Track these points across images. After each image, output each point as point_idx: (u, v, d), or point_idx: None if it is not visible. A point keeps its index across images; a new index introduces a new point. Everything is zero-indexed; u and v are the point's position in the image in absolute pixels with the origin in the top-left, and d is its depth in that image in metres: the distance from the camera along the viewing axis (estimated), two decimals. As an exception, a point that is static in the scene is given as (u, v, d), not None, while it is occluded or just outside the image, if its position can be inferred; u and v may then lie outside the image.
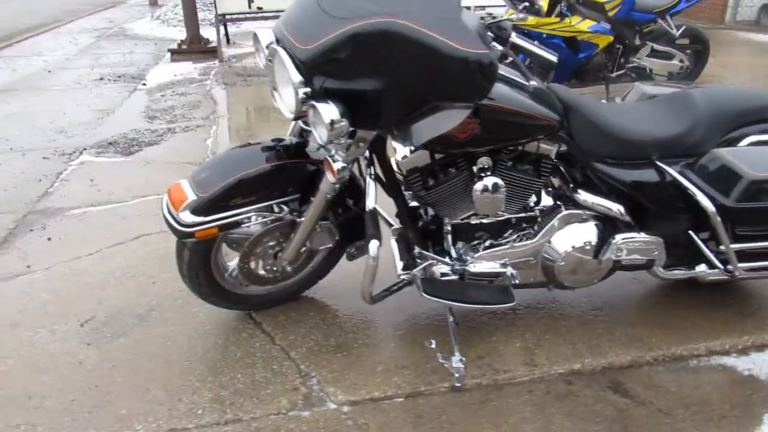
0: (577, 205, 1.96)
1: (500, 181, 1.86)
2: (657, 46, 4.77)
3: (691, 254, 2.01)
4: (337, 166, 1.73)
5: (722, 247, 1.86)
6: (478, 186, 1.86)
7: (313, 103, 1.59)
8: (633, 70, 4.80)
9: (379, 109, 1.61)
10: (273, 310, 2.24)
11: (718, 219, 1.79)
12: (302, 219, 1.95)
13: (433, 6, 1.52)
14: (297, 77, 1.59)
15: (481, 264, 1.97)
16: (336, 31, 1.54)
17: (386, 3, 1.53)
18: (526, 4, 4.19)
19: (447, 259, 1.98)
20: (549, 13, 4.35)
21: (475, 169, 1.88)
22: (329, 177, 1.77)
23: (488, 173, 1.87)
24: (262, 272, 2.10)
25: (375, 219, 1.82)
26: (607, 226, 1.98)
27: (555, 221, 1.95)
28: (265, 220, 1.93)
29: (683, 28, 4.79)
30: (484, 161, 1.87)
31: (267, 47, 1.74)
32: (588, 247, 1.95)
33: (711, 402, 1.79)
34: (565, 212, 1.95)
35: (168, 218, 1.85)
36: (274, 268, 2.09)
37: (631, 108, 2.04)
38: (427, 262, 1.97)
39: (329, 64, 1.58)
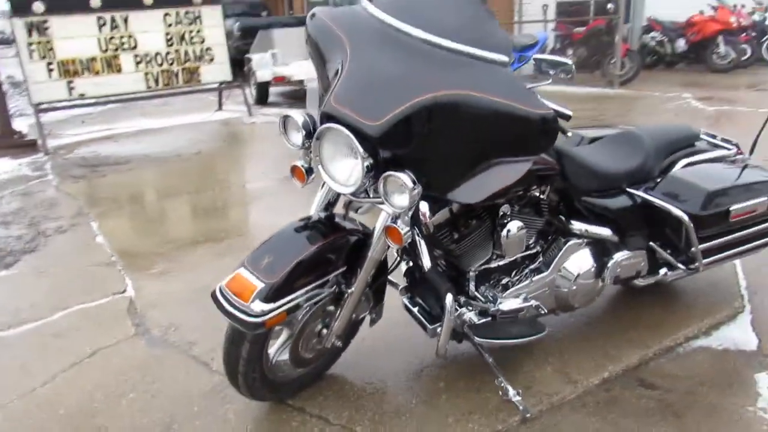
0: (574, 234, 2.28)
1: (521, 223, 2.09)
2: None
3: (655, 262, 2.44)
4: (405, 230, 1.80)
5: (692, 249, 2.30)
6: (505, 231, 2.07)
7: (392, 173, 1.67)
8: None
9: (448, 172, 1.75)
10: (306, 393, 2.17)
11: (691, 226, 2.23)
12: (351, 290, 1.96)
13: (495, 75, 1.72)
14: (362, 151, 1.67)
15: (509, 302, 2.16)
16: (405, 105, 1.66)
17: (452, 77, 1.70)
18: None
19: (480, 303, 2.14)
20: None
21: (500, 215, 2.09)
22: (393, 243, 1.83)
23: (510, 218, 2.09)
24: (308, 354, 2.04)
25: (441, 275, 1.92)
26: (598, 248, 2.32)
27: (562, 252, 2.24)
28: (323, 296, 1.91)
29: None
30: (506, 208, 2.10)
31: (309, 128, 1.80)
32: (593, 270, 2.26)
33: (714, 376, 2.19)
34: (570, 243, 2.25)
35: (234, 312, 1.74)
36: (319, 346, 2.05)
37: (595, 149, 2.43)
38: (461, 310, 2.11)
39: (400, 136, 1.68)
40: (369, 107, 1.71)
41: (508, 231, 2.07)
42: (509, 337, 2.10)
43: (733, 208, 2.26)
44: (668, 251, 2.40)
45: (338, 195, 2.01)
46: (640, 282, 2.43)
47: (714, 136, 2.61)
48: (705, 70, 10.01)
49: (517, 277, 2.24)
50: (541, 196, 2.19)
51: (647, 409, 2.03)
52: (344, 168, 1.79)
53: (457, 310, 2.08)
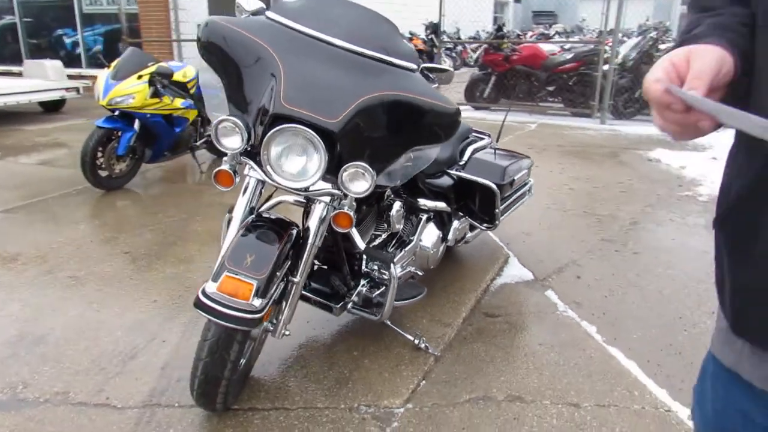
0: (423, 210, 2.83)
1: (401, 201, 2.56)
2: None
3: (471, 225, 3.18)
4: (352, 213, 2.07)
5: (496, 210, 3.07)
6: (394, 209, 2.50)
7: (354, 163, 1.95)
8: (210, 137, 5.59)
9: (385, 159, 2.10)
10: (243, 395, 2.20)
11: (498, 192, 3.00)
12: (297, 279, 2.11)
13: (414, 79, 2.13)
14: (323, 146, 1.91)
15: (396, 270, 2.59)
16: (354, 103, 1.95)
17: (384, 81, 2.05)
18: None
19: (375, 275, 2.51)
20: (154, 95, 4.66)
21: (385, 197, 2.50)
22: (342, 228, 2.07)
23: (393, 199, 2.53)
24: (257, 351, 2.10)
25: (377, 250, 2.23)
26: (439, 219, 2.92)
27: (420, 226, 2.77)
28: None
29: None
30: (388, 191, 2.52)
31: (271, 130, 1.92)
32: (440, 237, 2.85)
33: (523, 299, 3.02)
34: (423, 218, 2.79)
35: (235, 313, 1.74)
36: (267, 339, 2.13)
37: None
38: (360, 287, 2.45)
39: (353, 131, 1.97)
40: (323, 107, 1.93)
41: (395, 209, 2.51)
42: (404, 299, 2.53)
43: (515, 177, 3.13)
44: (478, 215, 3.16)
45: (259, 196, 2.14)
46: (461, 243, 3.13)
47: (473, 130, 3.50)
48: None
49: (392, 251, 2.68)
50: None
51: (503, 330, 2.72)
52: (296, 165, 1.97)
53: (355, 287, 2.42)
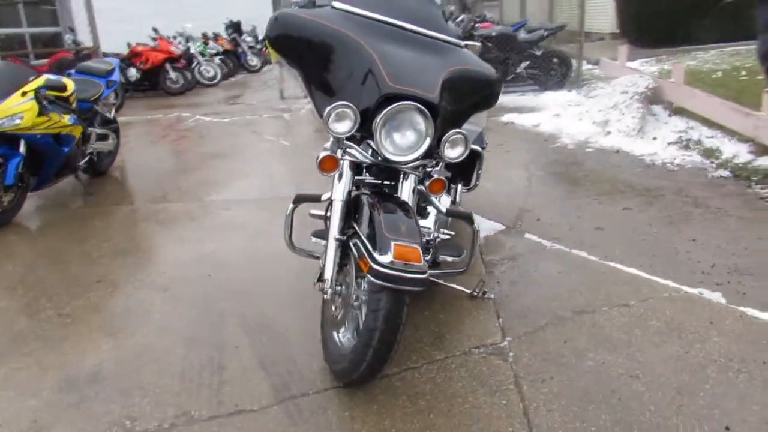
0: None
1: None
2: (98, 129, 5.21)
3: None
4: (443, 178, 2.30)
5: (480, 172, 3.42)
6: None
7: (455, 130, 2.19)
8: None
9: (460, 125, 2.35)
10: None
11: (483, 156, 3.35)
12: None
13: (468, 54, 2.40)
14: (431, 120, 2.13)
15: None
16: (441, 79, 2.19)
17: (451, 57, 2.30)
18: None
19: None
20: (40, 113, 4.15)
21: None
22: (437, 193, 2.29)
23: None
24: None
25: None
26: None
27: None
28: None
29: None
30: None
31: (386, 108, 2.05)
32: (451, 201, 3.15)
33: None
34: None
35: (415, 276, 1.88)
36: None
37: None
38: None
39: (446, 103, 2.20)
40: (423, 84, 2.13)
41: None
42: (454, 255, 2.80)
43: (487, 141, 3.55)
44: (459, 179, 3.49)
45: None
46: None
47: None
48: (163, 94, 11.15)
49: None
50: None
51: (519, 266, 3.13)
52: (407, 140, 2.14)
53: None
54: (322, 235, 2.65)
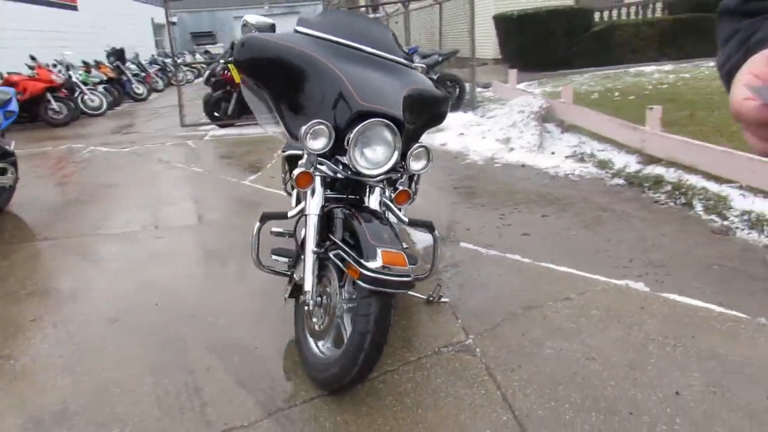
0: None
1: None
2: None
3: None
4: (409, 190, 2.46)
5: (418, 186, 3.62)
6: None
7: (420, 144, 2.37)
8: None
9: (417, 141, 2.53)
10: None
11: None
12: None
13: (421, 76, 2.59)
14: (399, 136, 2.31)
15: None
16: (401, 98, 2.36)
17: (408, 78, 2.48)
18: None
19: None
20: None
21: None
22: (402, 204, 2.45)
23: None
24: None
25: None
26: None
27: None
28: None
29: None
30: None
31: (359, 125, 2.19)
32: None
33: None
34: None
35: (403, 279, 2.01)
36: None
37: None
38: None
39: (408, 120, 2.38)
40: (389, 103, 2.30)
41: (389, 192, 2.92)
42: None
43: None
44: None
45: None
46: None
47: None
48: (45, 126, 10.48)
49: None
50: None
51: (467, 268, 3.35)
52: (377, 154, 2.29)
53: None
54: (283, 252, 2.72)
